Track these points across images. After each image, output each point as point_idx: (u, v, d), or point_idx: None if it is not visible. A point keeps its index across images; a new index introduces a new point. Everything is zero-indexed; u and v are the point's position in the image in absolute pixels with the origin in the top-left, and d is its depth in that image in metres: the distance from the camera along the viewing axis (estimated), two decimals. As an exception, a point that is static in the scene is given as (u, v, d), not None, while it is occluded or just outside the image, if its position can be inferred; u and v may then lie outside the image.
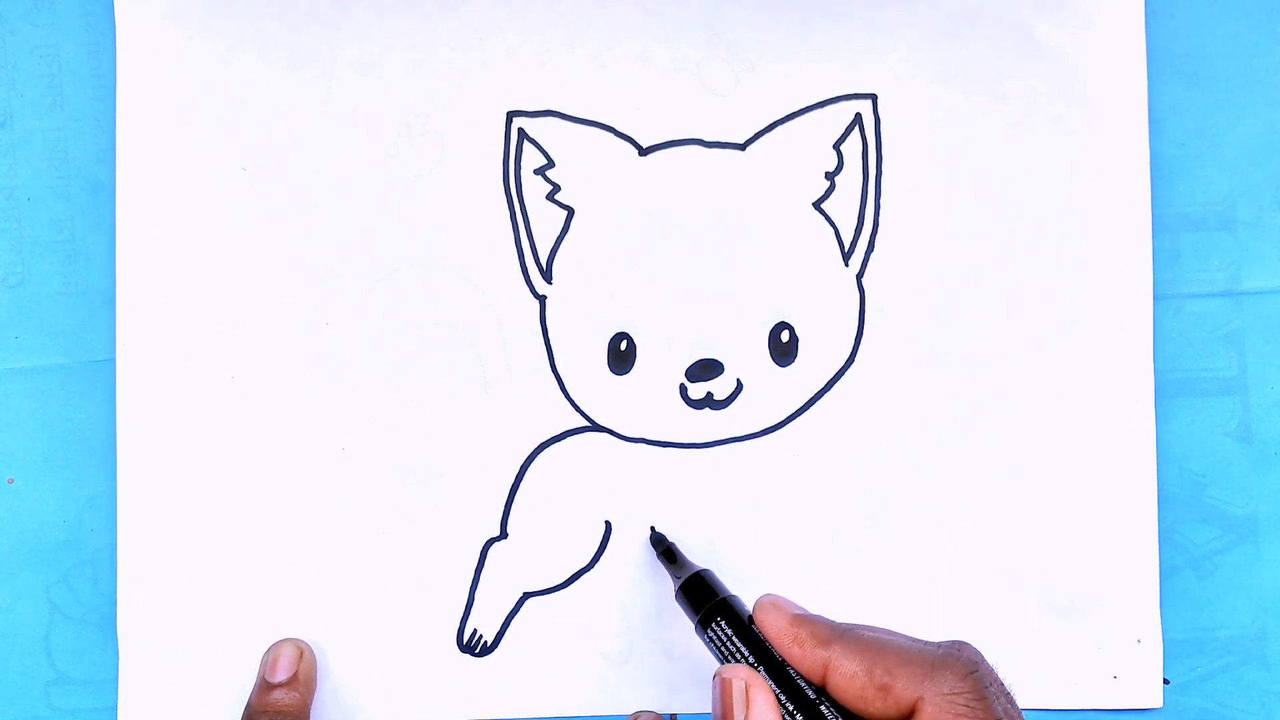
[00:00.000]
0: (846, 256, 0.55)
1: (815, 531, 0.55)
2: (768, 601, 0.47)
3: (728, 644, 0.47)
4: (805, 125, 0.55)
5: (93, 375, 0.55)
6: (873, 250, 0.55)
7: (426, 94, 0.55)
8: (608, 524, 0.55)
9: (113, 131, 0.55)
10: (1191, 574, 0.55)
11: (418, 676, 0.55)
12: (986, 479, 0.55)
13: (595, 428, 0.55)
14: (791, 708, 0.44)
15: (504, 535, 0.55)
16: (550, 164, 0.55)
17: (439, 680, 0.55)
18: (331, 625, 0.55)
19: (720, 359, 0.54)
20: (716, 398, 0.55)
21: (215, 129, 0.55)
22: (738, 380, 0.55)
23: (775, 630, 0.45)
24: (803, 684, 0.44)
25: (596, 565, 0.55)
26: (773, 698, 0.44)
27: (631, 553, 0.55)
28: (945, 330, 0.55)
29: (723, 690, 0.45)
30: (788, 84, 0.55)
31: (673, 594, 0.50)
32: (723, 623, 0.47)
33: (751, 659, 0.46)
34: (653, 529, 0.54)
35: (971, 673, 0.42)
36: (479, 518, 0.55)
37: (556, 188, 0.55)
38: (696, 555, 0.55)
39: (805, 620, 0.45)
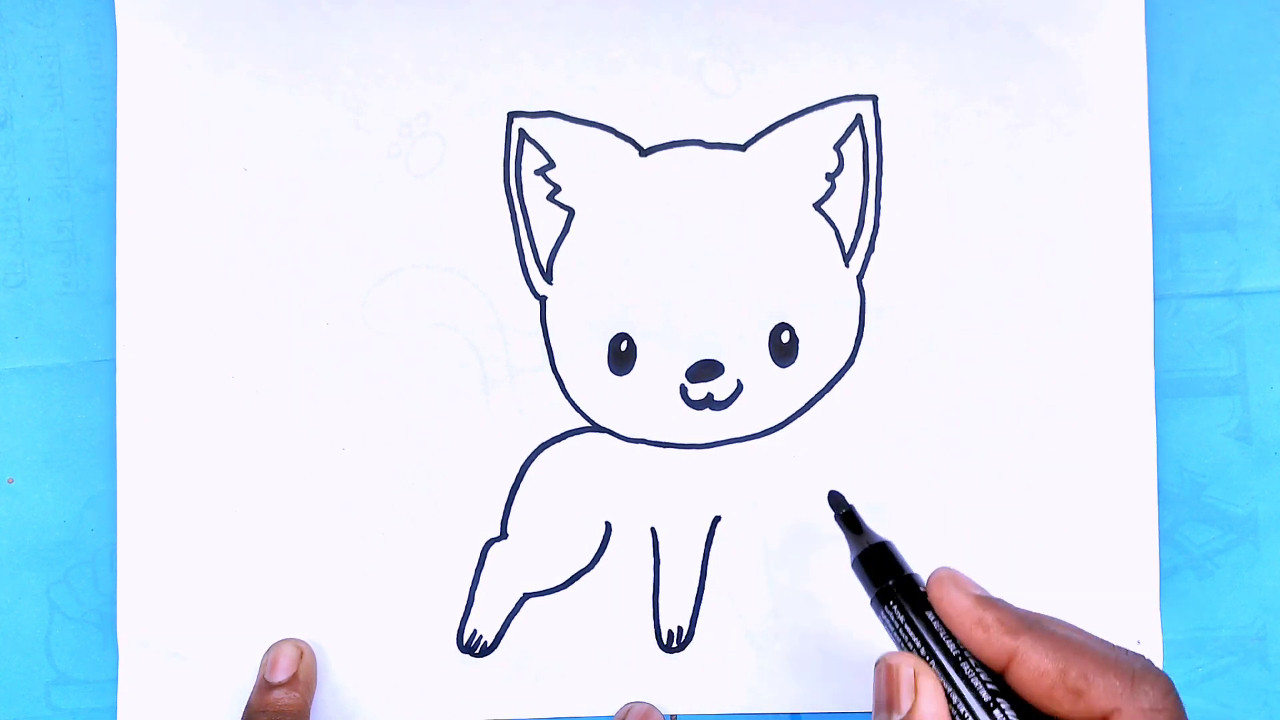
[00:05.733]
0: (847, 257, 0.55)
1: (815, 533, 0.55)
2: (946, 576, 0.44)
3: (905, 625, 0.44)
4: (806, 126, 0.55)
5: (93, 375, 0.55)
6: (873, 251, 0.55)
7: (427, 94, 0.55)
8: (608, 524, 0.55)
9: (113, 131, 0.55)
10: (1192, 574, 0.55)
11: (418, 676, 0.55)
12: (986, 479, 0.55)
13: (595, 428, 0.55)
14: (972, 701, 0.42)
15: (504, 535, 0.55)
16: (551, 164, 0.55)
17: (439, 680, 0.55)
18: (331, 625, 0.55)
19: (720, 359, 0.54)
20: (717, 398, 0.55)
21: (216, 129, 0.55)
22: (738, 381, 0.55)
23: (957, 610, 0.43)
24: (984, 678, 0.42)
25: (596, 565, 0.55)
26: (940, 689, 0.42)
27: (631, 553, 0.55)
28: (945, 330, 0.55)
29: (888, 677, 0.42)
30: (788, 85, 0.55)
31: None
32: (903, 603, 0.45)
33: (931, 642, 0.43)
34: (832, 491, 0.50)
35: (1172, 691, 0.40)
36: (479, 518, 0.55)
37: (557, 188, 0.55)
38: (695, 556, 0.55)
39: (990, 604, 0.43)
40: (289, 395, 0.55)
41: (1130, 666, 0.41)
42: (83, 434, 0.55)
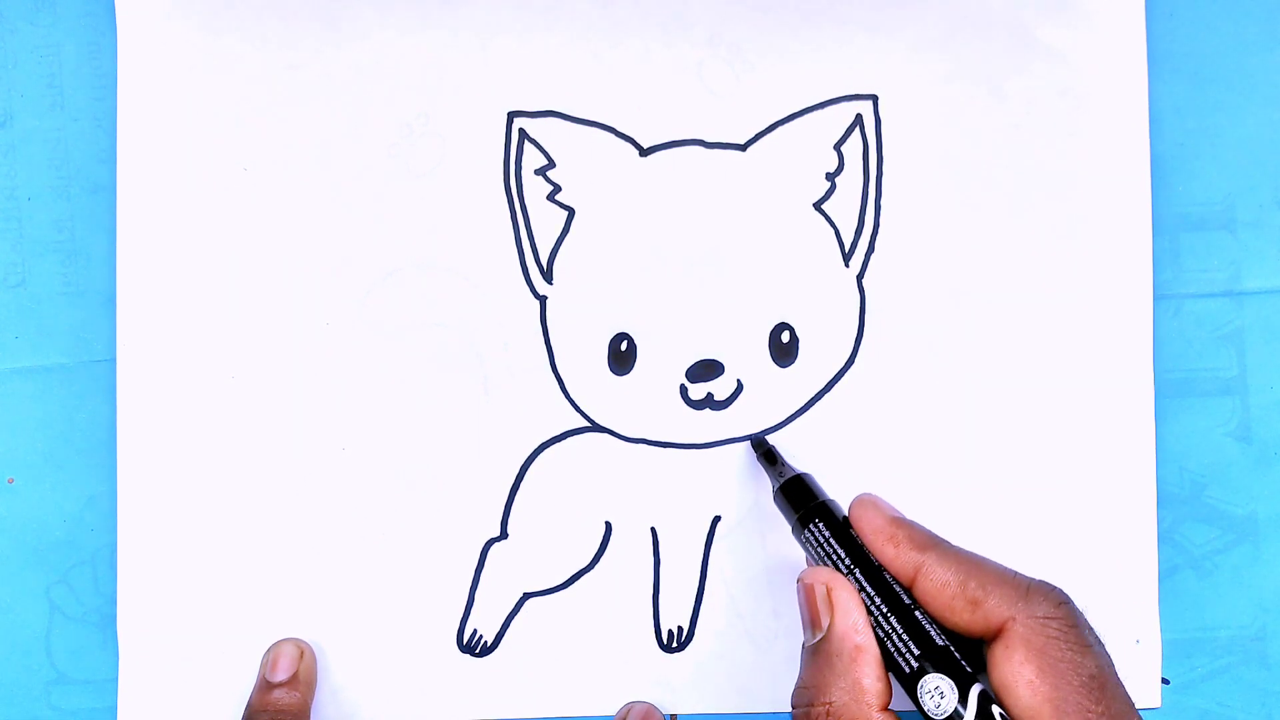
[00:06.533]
0: (847, 257, 0.55)
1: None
2: (867, 499, 0.47)
3: (824, 545, 0.47)
4: (806, 126, 0.55)
5: (93, 375, 0.55)
6: (873, 251, 0.55)
7: (427, 94, 0.55)
8: (608, 524, 0.55)
9: (113, 131, 0.55)
10: (1191, 574, 0.55)
11: (418, 676, 0.55)
12: (986, 479, 0.55)
13: (595, 428, 0.55)
14: (886, 609, 0.44)
15: (504, 535, 0.55)
16: (551, 164, 0.55)
17: (439, 680, 0.55)
18: (331, 625, 0.55)
19: (720, 359, 0.54)
20: (717, 398, 0.55)
21: (215, 129, 0.55)
22: (738, 381, 0.55)
23: (871, 528, 0.46)
24: (899, 589, 0.44)
25: (596, 565, 0.55)
26: (857, 597, 0.44)
27: (631, 553, 0.55)
28: (945, 330, 0.55)
29: (806, 596, 0.45)
30: (788, 84, 0.55)
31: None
32: (820, 524, 0.48)
33: (847, 560, 0.46)
34: (752, 436, 0.54)
35: (1064, 603, 0.43)
36: (479, 518, 0.55)
37: (557, 188, 0.55)
38: (695, 556, 0.55)
39: (902, 523, 0.46)
40: (289, 395, 0.55)
41: (1024, 581, 0.44)
42: (83, 434, 0.55)
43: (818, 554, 0.47)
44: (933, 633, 0.43)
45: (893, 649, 0.44)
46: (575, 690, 0.55)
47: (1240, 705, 0.55)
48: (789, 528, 0.50)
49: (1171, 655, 0.55)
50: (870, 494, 0.48)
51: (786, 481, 0.50)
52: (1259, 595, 0.55)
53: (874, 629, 0.44)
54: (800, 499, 0.49)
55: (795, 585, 0.46)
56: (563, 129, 0.55)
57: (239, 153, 0.55)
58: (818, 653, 0.44)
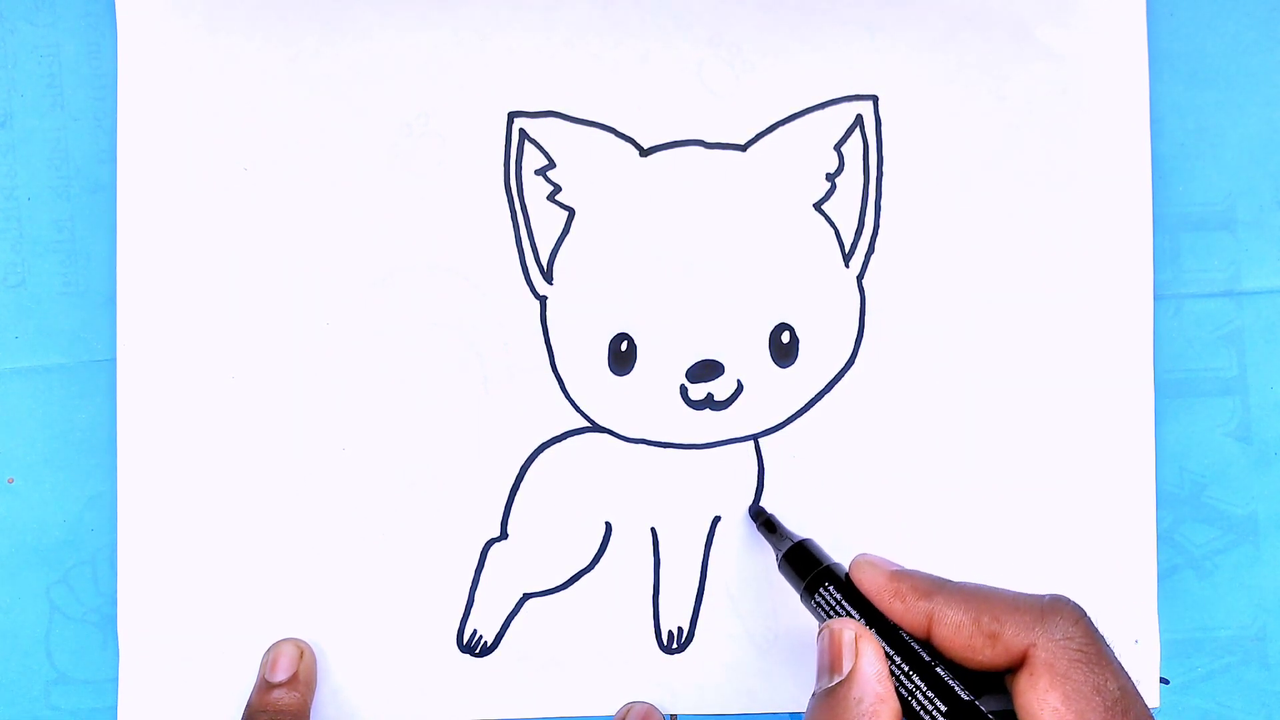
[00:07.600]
0: (847, 258, 0.55)
1: (815, 533, 0.54)
2: (863, 560, 0.46)
3: (836, 609, 0.47)
4: (806, 126, 0.55)
5: (93, 375, 0.55)
6: (873, 252, 0.55)
7: (427, 94, 0.55)
8: (608, 524, 0.55)
9: (113, 131, 0.55)
10: (1191, 574, 0.55)
11: (418, 676, 0.55)
12: (986, 479, 0.55)
13: (595, 428, 0.55)
14: (907, 668, 0.43)
15: (504, 535, 0.55)
16: (551, 164, 0.55)
17: (439, 680, 0.55)
18: (331, 625, 0.55)
19: (721, 360, 0.54)
20: (717, 398, 0.55)
21: (216, 129, 0.55)
22: (738, 381, 0.55)
23: (875, 587, 0.45)
24: (916, 646, 0.44)
25: (596, 565, 0.55)
26: (881, 651, 0.43)
27: (631, 553, 0.55)
28: (945, 331, 0.55)
29: (831, 641, 0.44)
30: (789, 85, 0.55)
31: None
32: (830, 588, 0.47)
33: (861, 621, 0.45)
34: (754, 504, 0.54)
35: (1081, 619, 0.42)
36: (479, 518, 0.55)
37: (557, 188, 0.55)
38: (695, 556, 0.55)
39: (904, 575, 0.45)
40: (289, 395, 0.55)
41: (1038, 603, 0.43)
42: (83, 434, 0.55)
43: (830, 617, 0.47)
44: (957, 688, 0.43)
45: (918, 707, 0.43)
46: (575, 690, 0.55)
47: (1240, 705, 0.55)
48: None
49: (1171, 655, 0.55)
50: (865, 554, 0.47)
51: (789, 549, 0.50)
52: (1259, 595, 0.55)
53: (896, 687, 0.43)
54: (804, 565, 0.49)
55: (818, 635, 0.45)
56: (563, 129, 0.55)
57: (239, 152, 0.55)
58: (832, 696, 0.43)
